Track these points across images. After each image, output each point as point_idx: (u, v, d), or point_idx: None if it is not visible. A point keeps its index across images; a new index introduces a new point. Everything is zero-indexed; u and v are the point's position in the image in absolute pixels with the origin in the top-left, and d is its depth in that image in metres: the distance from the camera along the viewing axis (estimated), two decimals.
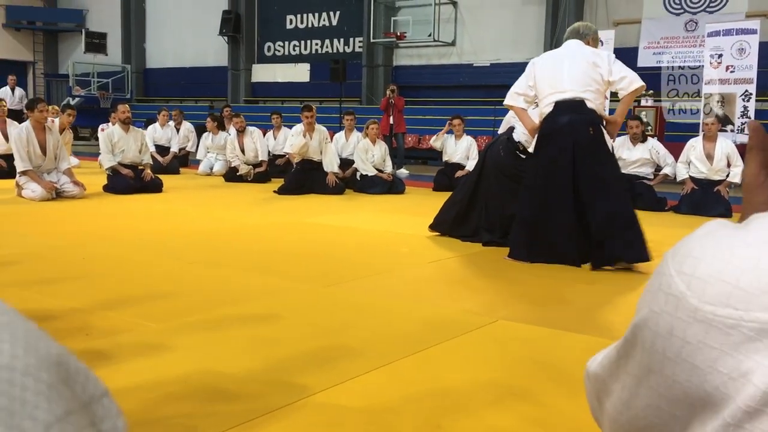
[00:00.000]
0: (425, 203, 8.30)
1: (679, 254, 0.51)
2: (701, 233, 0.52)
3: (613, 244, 4.53)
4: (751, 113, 10.62)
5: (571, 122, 4.64)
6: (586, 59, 4.74)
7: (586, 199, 4.60)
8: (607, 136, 4.73)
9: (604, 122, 4.78)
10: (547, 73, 4.80)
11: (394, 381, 2.49)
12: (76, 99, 19.78)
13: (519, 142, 5.41)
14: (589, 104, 4.66)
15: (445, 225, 5.74)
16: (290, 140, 9.32)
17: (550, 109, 4.72)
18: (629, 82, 4.70)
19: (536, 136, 4.85)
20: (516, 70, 14.35)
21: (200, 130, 12.61)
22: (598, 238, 4.56)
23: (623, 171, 8.47)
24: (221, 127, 11.93)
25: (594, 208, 4.58)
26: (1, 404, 0.20)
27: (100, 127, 11.59)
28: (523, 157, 5.33)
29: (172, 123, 12.59)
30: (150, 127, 12.30)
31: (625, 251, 4.55)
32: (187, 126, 12.81)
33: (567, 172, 4.64)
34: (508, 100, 5.00)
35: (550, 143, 4.71)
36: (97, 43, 20.15)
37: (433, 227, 5.81)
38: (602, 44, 11.95)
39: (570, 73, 4.72)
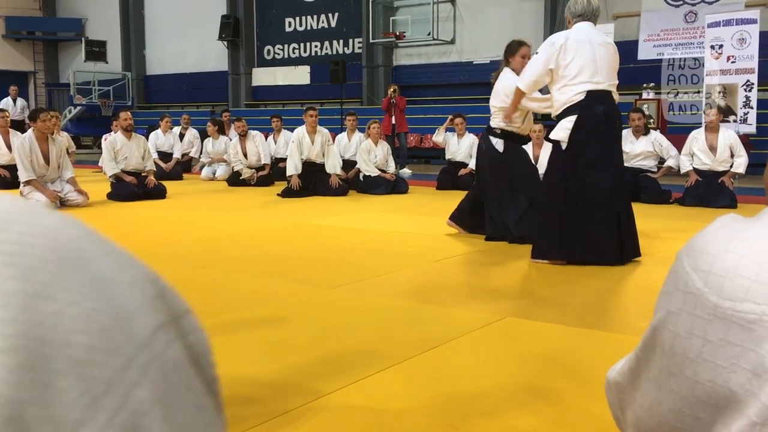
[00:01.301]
0: (429, 203, 8.29)
1: (694, 251, 0.50)
2: (714, 228, 0.51)
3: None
4: (753, 103, 10.59)
5: (603, 113, 4.46)
6: (611, 49, 4.63)
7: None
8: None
9: None
10: (580, 61, 4.48)
11: (405, 381, 2.49)
12: (78, 108, 19.83)
13: (496, 128, 5.45)
14: (615, 96, 4.59)
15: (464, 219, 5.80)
16: (289, 158, 9.22)
17: (581, 97, 4.46)
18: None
19: (570, 124, 4.48)
20: None
21: (202, 136, 12.62)
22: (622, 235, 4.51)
23: (626, 164, 8.50)
24: (221, 131, 11.94)
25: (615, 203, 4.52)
26: (111, 312, 0.24)
27: (104, 137, 11.62)
28: (497, 143, 5.40)
29: (175, 129, 12.59)
30: (152, 134, 12.30)
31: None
32: (193, 132, 12.82)
33: (603, 163, 4.45)
34: (529, 88, 4.80)
35: (588, 133, 4.46)
36: (97, 51, 20.18)
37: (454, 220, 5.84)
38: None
39: (602, 62, 4.52)
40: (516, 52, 5.43)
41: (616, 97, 4.60)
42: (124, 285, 0.25)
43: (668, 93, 12.16)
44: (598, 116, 4.45)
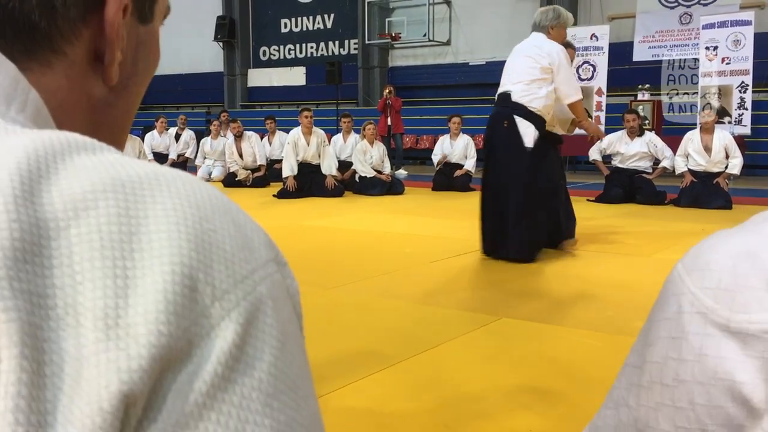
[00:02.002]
0: (425, 203, 8.30)
1: (696, 270, 0.48)
2: (710, 244, 0.50)
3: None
4: (748, 104, 10.62)
5: (492, 115, 4.92)
6: (525, 52, 4.80)
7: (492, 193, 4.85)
8: (526, 131, 4.67)
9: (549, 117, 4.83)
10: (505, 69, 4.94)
11: (401, 381, 2.50)
12: None
13: None
14: (515, 96, 4.70)
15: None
16: (285, 159, 9.23)
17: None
18: (565, 95, 4.75)
19: None
20: None
21: (198, 136, 12.60)
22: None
23: (622, 166, 8.54)
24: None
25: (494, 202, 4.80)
26: (244, 240, 0.35)
27: None
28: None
29: (171, 130, 12.58)
30: (148, 135, 12.29)
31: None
32: (189, 132, 12.80)
33: (497, 160, 4.85)
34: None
35: (490, 132, 4.95)
36: None
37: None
38: (596, 39, 12.00)
39: (509, 67, 4.87)
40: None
41: (519, 93, 4.71)
42: (249, 228, 0.37)
43: (668, 93, 12.19)
44: (493, 117, 4.92)
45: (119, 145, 0.48)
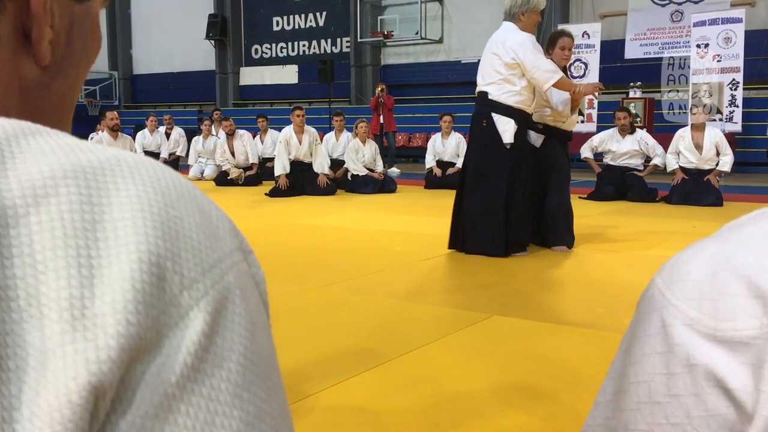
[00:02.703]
0: (417, 202, 8.30)
1: (676, 282, 0.48)
2: (688, 255, 0.50)
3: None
4: (739, 102, 10.66)
5: (473, 114, 4.96)
6: (492, 49, 4.81)
7: (467, 189, 4.91)
8: (503, 129, 4.72)
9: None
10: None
11: (392, 380, 2.49)
12: None
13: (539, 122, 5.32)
14: (491, 96, 4.77)
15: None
16: (277, 158, 9.21)
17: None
18: (540, 82, 4.71)
19: None
20: None
21: (189, 135, 12.57)
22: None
23: (613, 163, 8.56)
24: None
25: (468, 199, 4.88)
26: (209, 228, 0.35)
27: (90, 137, 11.55)
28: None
29: (161, 129, 12.55)
30: (139, 134, 12.25)
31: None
32: (178, 131, 12.77)
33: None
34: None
35: (471, 132, 5.04)
36: None
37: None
38: (588, 36, 12.01)
39: (482, 65, 4.91)
40: (555, 44, 5.24)
41: (494, 93, 4.77)
42: (214, 216, 0.36)
43: (669, 92, 12.22)
44: (473, 116, 4.98)
45: None
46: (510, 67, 4.71)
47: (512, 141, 4.72)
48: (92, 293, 0.30)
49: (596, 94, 5.29)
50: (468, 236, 4.85)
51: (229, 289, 0.34)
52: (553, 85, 4.76)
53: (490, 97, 4.78)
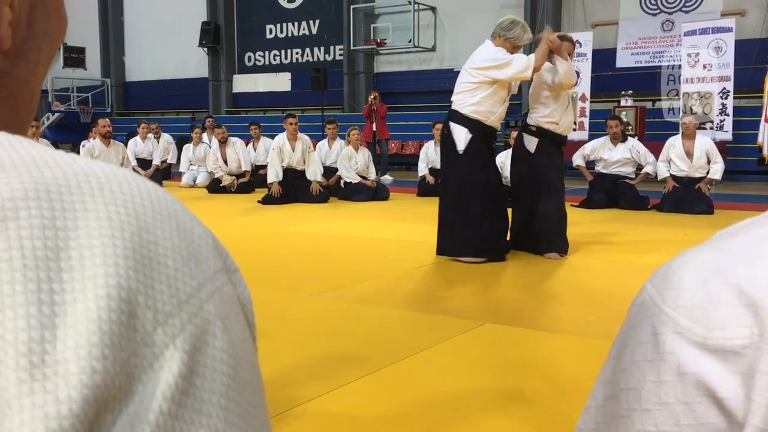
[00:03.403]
0: (410, 209, 8.30)
1: (667, 290, 0.48)
2: (679, 263, 0.50)
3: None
4: (729, 110, 10.73)
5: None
6: (466, 65, 5.06)
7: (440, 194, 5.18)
8: (457, 137, 4.89)
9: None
10: None
11: (383, 387, 2.49)
12: (56, 114, 19.63)
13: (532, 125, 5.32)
14: (454, 105, 4.99)
15: None
16: (270, 165, 9.21)
17: None
18: (520, 77, 4.90)
19: None
20: None
21: (181, 143, 12.54)
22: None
23: (605, 171, 8.59)
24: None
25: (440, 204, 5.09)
26: (189, 250, 0.32)
27: (82, 144, 11.51)
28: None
29: (152, 135, 12.53)
30: (131, 141, 12.21)
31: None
32: (166, 138, 12.75)
33: None
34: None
35: None
36: (75, 57, 19.99)
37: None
38: (580, 45, 12.07)
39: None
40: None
41: (456, 103, 4.99)
42: (196, 234, 0.33)
43: (670, 100, 12.26)
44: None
45: (23, 124, 0.42)
46: (475, 77, 4.91)
47: (463, 148, 4.87)
48: (54, 335, 0.26)
49: (550, 38, 5.12)
50: (438, 239, 5.09)
51: (209, 321, 0.31)
52: (535, 67, 4.89)
53: (452, 107, 5.03)
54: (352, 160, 9.50)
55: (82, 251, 0.28)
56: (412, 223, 6.91)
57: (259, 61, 18.88)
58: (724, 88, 10.75)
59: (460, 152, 4.89)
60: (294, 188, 9.10)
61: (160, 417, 0.28)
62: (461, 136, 4.89)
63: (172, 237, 0.31)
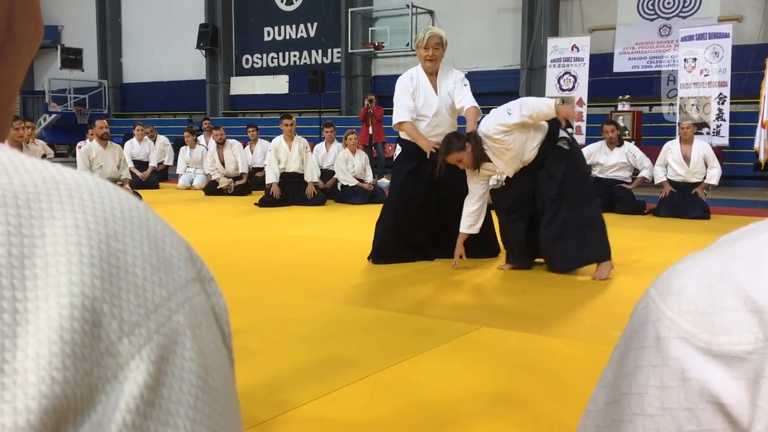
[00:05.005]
0: None
1: (671, 294, 0.47)
2: (683, 268, 0.50)
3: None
4: (726, 116, 10.75)
5: None
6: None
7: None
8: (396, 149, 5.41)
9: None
10: None
11: (379, 391, 2.48)
12: (53, 116, 19.60)
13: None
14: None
15: None
16: (268, 166, 9.23)
17: None
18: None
19: None
20: (493, 77, 14.41)
21: (177, 145, 12.53)
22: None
23: (601, 176, 8.60)
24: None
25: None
26: (159, 259, 0.31)
27: (78, 145, 11.49)
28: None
29: (148, 137, 12.52)
30: (127, 143, 12.20)
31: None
32: (161, 140, 12.74)
33: None
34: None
35: None
36: (73, 59, 19.96)
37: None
38: (577, 50, 12.10)
39: None
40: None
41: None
42: (168, 243, 0.32)
43: (670, 105, 12.27)
44: None
45: (2, 127, 0.42)
46: None
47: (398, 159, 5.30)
48: (14, 344, 0.26)
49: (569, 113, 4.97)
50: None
51: (178, 331, 0.30)
52: (397, 127, 5.24)
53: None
54: (349, 163, 9.50)
55: (47, 259, 0.28)
56: None
57: (257, 63, 18.88)
58: (721, 94, 10.77)
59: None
60: (292, 193, 9.10)
61: (123, 429, 0.27)
62: (397, 149, 5.38)
63: (142, 246, 0.31)
